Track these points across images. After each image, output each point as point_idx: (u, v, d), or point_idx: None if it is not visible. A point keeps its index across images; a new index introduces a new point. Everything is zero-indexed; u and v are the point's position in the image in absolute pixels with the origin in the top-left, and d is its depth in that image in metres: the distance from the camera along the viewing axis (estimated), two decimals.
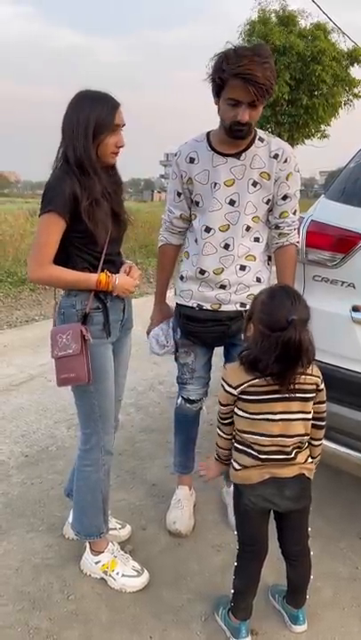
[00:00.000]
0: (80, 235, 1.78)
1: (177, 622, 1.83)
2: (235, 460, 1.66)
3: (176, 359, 2.28)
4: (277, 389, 1.54)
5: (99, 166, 1.78)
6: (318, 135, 17.25)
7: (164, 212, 2.19)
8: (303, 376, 1.54)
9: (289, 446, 1.60)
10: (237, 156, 1.99)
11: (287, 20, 15.55)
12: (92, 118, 1.73)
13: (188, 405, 2.31)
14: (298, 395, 1.56)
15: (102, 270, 1.82)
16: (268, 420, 1.57)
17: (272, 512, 1.70)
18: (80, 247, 1.81)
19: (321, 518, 2.31)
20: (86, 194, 1.74)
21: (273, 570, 1.90)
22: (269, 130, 16.88)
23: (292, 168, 2.02)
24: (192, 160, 2.03)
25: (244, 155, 1.98)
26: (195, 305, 2.11)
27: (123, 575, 1.96)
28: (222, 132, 1.96)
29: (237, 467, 1.65)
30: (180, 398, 2.33)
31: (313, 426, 1.64)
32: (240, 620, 1.73)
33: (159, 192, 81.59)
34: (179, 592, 1.96)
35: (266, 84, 1.80)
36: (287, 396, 1.55)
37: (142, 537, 2.26)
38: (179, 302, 2.18)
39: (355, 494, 2.56)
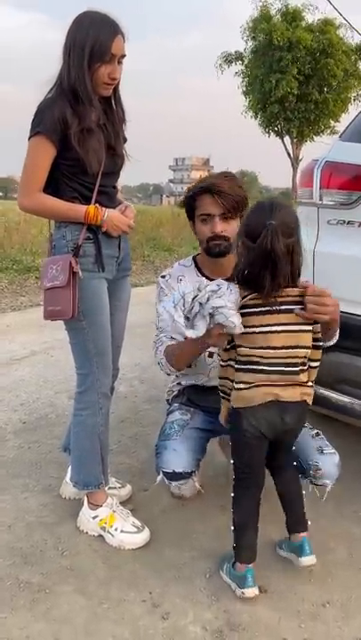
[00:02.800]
0: (70, 163, 1.68)
1: (179, 578, 1.70)
2: (237, 382, 1.57)
3: (169, 413, 2.09)
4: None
5: (95, 96, 1.68)
6: (328, 132, 17.14)
7: (156, 335, 1.98)
8: (291, 289, 1.51)
9: (295, 358, 1.53)
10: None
11: (292, 15, 15.45)
12: (88, 43, 1.62)
13: (172, 484, 1.89)
14: (293, 307, 1.52)
15: (96, 203, 1.72)
16: (271, 332, 1.51)
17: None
18: (69, 176, 1.70)
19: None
20: (77, 120, 1.64)
21: (278, 527, 1.78)
22: (278, 127, 16.77)
23: None
24: (180, 280, 1.98)
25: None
26: (200, 383, 2.05)
27: (122, 531, 1.83)
28: (204, 255, 1.95)
29: (242, 386, 1.55)
30: (161, 474, 1.87)
31: (313, 346, 1.59)
32: (245, 565, 1.60)
33: (168, 197, 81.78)
34: (181, 550, 1.83)
35: (233, 195, 1.79)
36: (288, 307, 1.51)
37: (144, 497, 2.13)
38: (181, 382, 2.12)
39: None
